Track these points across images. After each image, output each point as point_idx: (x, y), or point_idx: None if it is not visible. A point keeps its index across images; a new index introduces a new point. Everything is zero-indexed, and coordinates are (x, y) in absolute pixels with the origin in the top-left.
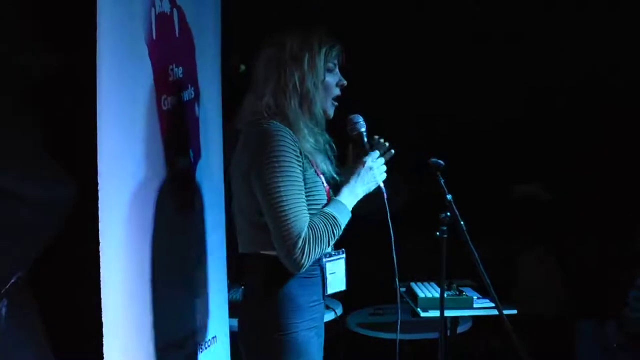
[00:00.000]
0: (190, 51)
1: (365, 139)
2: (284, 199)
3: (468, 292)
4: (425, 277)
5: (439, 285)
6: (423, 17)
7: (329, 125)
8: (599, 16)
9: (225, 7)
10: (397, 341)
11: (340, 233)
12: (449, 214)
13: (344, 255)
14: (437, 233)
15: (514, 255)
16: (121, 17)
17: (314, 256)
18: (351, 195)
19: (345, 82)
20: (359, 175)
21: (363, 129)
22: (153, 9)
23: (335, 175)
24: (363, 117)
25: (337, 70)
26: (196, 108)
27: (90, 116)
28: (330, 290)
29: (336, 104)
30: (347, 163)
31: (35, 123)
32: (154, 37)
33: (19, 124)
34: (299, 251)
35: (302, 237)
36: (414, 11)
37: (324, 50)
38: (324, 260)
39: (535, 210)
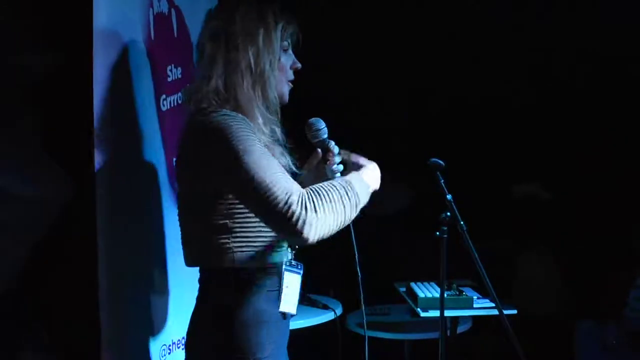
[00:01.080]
0: (188, 51)
1: (331, 145)
2: (258, 169)
3: (468, 292)
4: (425, 277)
5: (439, 285)
6: (421, 13)
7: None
8: (598, 16)
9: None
10: (366, 339)
11: (359, 201)
12: (449, 214)
13: (301, 272)
14: (437, 233)
15: (514, 255)
16: (119, 17)
17: (326, 215)
18: (368, 183)
19: (299, 65)
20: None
21: (325, 136)
22: (151, 10)
23: (295, 170)
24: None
25: (290, 51)
26: None
27: (87, 116)
28: (282, 307)
29: (291, 86)
30: (306, 167)
31: (34, 123)
32: (153, 37)
33: (18, 124)
34: (299, 207)
35: (295, 193)
36: (414, 7)
37: (280, 26)
38: (283, 267)
39: (535, 210)
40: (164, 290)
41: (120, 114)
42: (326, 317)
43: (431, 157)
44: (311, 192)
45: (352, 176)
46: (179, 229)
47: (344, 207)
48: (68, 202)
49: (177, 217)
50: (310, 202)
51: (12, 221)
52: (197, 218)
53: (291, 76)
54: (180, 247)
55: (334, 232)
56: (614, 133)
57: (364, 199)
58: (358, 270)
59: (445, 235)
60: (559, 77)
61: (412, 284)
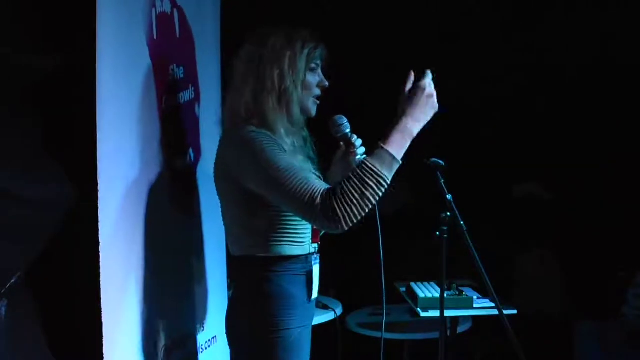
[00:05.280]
0: (190, 51)
1: (353, 139)
2: (286, 174)
3: (468, 292)
4: (425, 277)
5: (439, 285)
6: (423, 13)
7: (312, 124)
8: (599, 16)
9: (225, 7)
10: (382, 340)
11: (384, 182)
12: (449, 214)
13: (318, 261)
14: (437, 233)
15: (514, 255)
16: (122, 17)
17: (350, 214)
18: (402, 135)
19: (327, 84)
20: (414, 105)
21: (348, 130)
22: (154, 9)
23: (316, 173)
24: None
25: (319, 70)
26: (196, 108)
27: (90, 116)
28: (313, 296)
29: (318, 102)
30: (333, 162)
31: (35, 123)
32: (155, 37)
33: (19, 124)
34: (323, 203)
35: (319, 190)
36: (412, 9)
37: (306, 50)
38: (312, 262)
39: (535, 210)
40: (164, 290)
41: (122, 114)
42: (326, 317)
43: (431, 157)
44: (333, 188)
45: (372, 155)
46: (176, 228)
47: (365, 192)
48: (70, 202)
49: (177, 216)
50: (333, 198)
51: (13, 222)
52: (234, 217)
53: (317, 93)
54: (178, 246)
55: (364, 213)
56: (614, 133)
57: (388, 170)
58: (382, 276)
59: (445, 235)
60: (559, 77)
61: (412, 284)
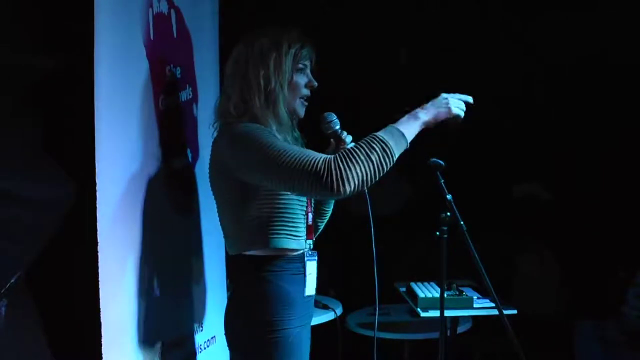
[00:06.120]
0: (188, 52)
1: (343, 136)
2: (284, 150)
3: (468, 292)
4: (425, 277)
5: (439, 285)
6: (421, 15)
7: (303, 122)
8: (598, 16)
9: (223, 8)
10: (375, 339)
11: (390, 154)
12: (449, 214)
13: (317, 258)
14: (437, 233)
15: (514, 254)
16: (119, 17)
17: (353, 173)
18: (411, 118)
19: (315, 84)
20: (428, 101)
21: (337, 127)
22: (150, 10)
23: None
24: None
25: (307, 71)
26: (194, 108)
27: (88, 116)
28: (307, 292)
29: (306, 103)
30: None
31: (34, 123)
32: (152, 37)
33: (19, 124)
34: (325, 165)
35: (321, 157)
36: (411, 9)
37: (292, 51)
38: (305, 258)
39: (535, 210)
40: (163, 290)
41: (120, 115)
42: (326, 317)
43: (431, 157)
44: (336, 154)
45: (383, 130)
46: (175, 228)
47: (370, 155)
48: (70, 202)
49: (175, 216)
50: (335, 159)
51: (13, 222)
52: (230, 215)
53: (305, 93)
54: (177, 246)
55: (370, 180)
56: (614, 133)
57: (395, 143)
58: (375, 274)
59: (445, 235)
60: (559, 77)
61: (412, 284)
